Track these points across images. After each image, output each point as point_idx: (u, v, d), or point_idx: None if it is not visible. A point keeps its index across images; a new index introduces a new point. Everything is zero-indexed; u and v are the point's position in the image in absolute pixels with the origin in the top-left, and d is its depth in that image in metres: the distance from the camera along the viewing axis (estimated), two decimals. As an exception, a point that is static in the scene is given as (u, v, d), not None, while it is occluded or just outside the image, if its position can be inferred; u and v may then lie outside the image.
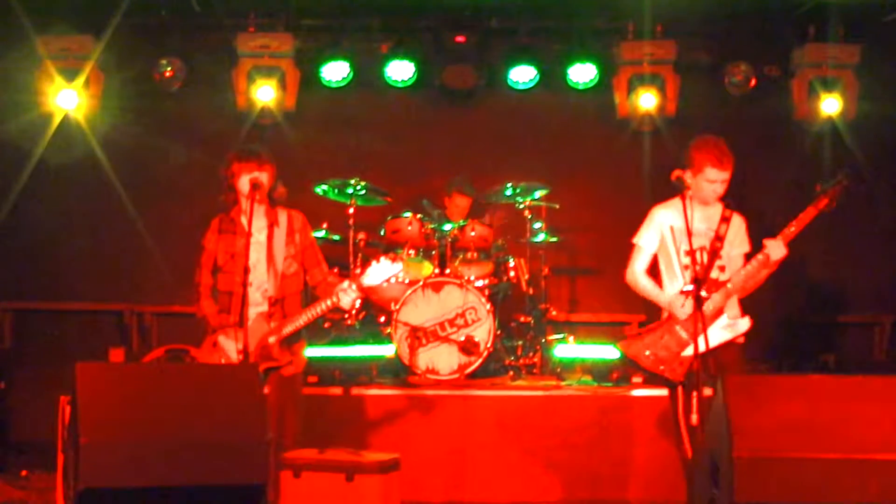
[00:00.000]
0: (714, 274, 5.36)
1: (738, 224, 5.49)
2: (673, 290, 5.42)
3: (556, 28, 8.79)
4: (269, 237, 5.56)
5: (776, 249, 5.30)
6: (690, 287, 5.00)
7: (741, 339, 5.44)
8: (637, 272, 5.54)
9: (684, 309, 5.29)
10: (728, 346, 5.36)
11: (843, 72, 8.36)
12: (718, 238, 5.38)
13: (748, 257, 5.44)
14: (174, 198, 8.64)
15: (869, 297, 8.70)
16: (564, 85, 8.68)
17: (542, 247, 7.98)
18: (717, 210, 5.46)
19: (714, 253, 5.36)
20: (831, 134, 8.49)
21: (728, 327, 5.36)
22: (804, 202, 5.36)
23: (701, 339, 4.77)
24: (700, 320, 4.82)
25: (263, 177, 5.50)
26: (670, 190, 5.33)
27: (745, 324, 5.40)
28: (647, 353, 5.35)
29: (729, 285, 5.34)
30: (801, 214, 5.30)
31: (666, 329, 5.38)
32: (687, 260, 5.36)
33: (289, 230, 5.62)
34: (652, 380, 6.76)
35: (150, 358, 7.13)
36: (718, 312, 5.34)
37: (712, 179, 5.36)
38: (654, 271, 5.60)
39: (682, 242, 5.38)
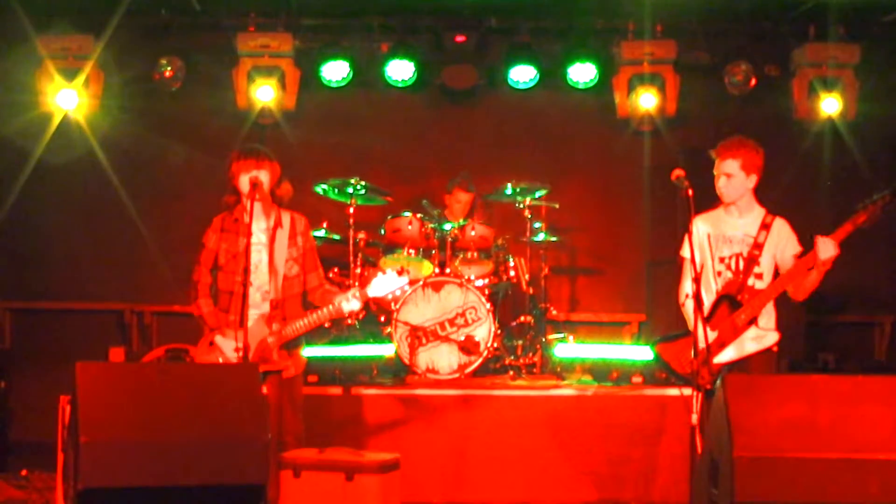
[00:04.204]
0: (751, 282, 5.30)
1: (779, 228, 5.38)
2: (708, 300, 5.32)
3: (556, 28, 8.78)
4: (272, 238, 5.56)
5: (825, 248, 5.09)
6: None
7: (775, 349, 5.36)
8: (684, 290, 5.36)
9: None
10: (759, 354, 5.30)
11: (843, 72, 8.34)
12: (756, 245, 5.32)
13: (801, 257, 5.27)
14: (174, 198, 8.64)
15: (869, 297, 8.69)
16: (564, 85, 8.67)
17: (542, 246, 7.97)
18: (757, 216, 5.41)
19: (751, 260, 5.32)
20: (831, 134, 8.48)
21: (756, 339, 5.30)
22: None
23: (704, 337, 4.77)
24: (701, 319, 4.82)
25: (263, 176, 5.49)
26: (669, 189, 5.33)
27: (772, 338, 5.33)
28: (681, 357, 5.29)
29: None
30: (843, 225, 5.13)
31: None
32: (721, 266, 5.35)
33: (291, 232, 5.62)
34: (651, 381, 6.86)
35: (150, 358, 7.12)
36: (750, 322, 5.27)
37: (716, 173, 5.38)
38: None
39: (717, 249, 5.37)
